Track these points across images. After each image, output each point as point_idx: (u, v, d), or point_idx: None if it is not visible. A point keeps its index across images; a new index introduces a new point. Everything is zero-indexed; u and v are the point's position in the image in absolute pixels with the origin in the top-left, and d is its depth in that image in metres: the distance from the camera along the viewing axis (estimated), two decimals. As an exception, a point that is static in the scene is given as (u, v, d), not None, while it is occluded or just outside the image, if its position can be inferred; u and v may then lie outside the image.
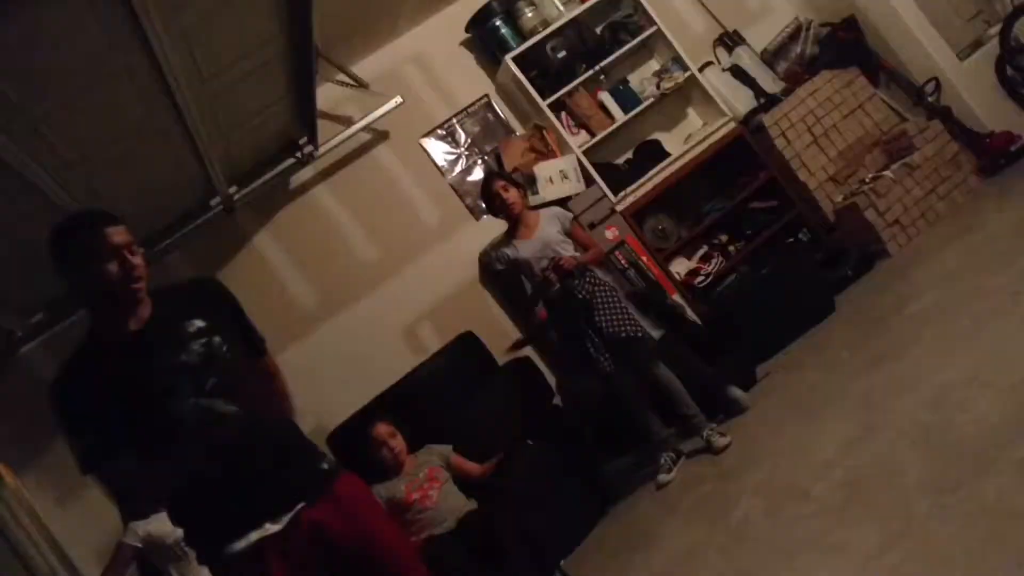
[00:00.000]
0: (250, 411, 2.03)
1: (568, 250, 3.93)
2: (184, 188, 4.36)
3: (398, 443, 3.91)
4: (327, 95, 5.05)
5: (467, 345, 4.79)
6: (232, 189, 4.67)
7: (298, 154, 4.93)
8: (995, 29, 5.02)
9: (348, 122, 5.15)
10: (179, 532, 3.31)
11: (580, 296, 3.85)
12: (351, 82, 5.10)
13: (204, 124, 3.51)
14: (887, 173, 4.88)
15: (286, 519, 2.03)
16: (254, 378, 2.17)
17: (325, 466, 2.18)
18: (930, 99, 5.08)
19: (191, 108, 3.28)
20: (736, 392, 4.04)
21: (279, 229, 5.17)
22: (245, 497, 2.02)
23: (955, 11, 5.22)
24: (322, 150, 5.01)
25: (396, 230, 5.23)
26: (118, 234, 1.99)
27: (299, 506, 2.04)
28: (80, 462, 2.01)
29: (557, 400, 4.92)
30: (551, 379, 5.03)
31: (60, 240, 2.00)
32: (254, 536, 2.00)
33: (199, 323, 2.07)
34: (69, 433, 2.03)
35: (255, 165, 4.81)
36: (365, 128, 5.14)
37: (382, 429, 3.91)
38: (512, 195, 3.96)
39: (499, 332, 5.18)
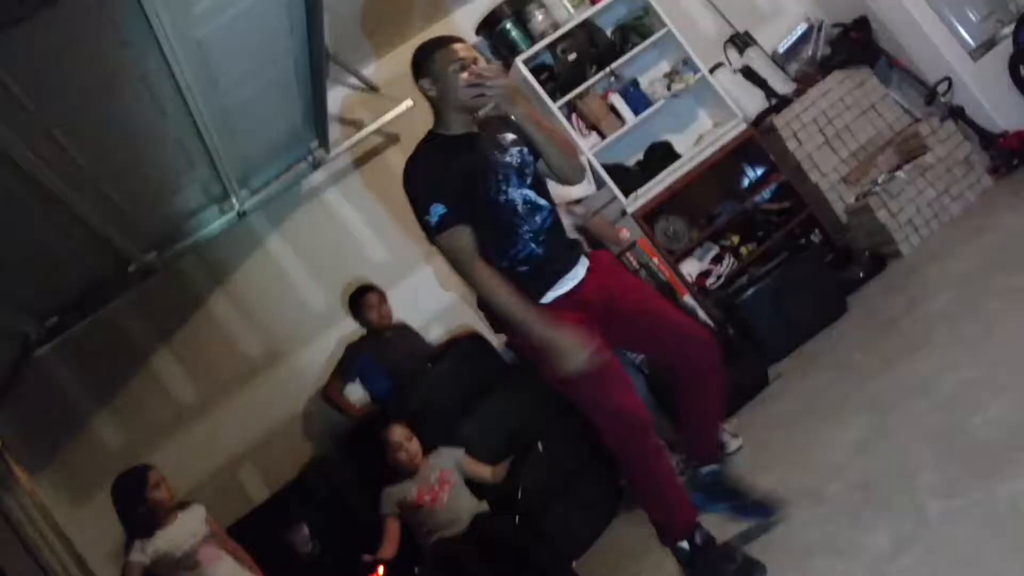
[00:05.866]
0: (551, 206, 2.63)
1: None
2: (197, 192, 4.39)
3: (414, 446, 3.92)
4: (338, 98, 5.07)
5: (476, 346, 4.80)
6: (244, 193, 4.69)
7: (309, 157, 4.96)
8: (1008, 29, 4.98)
9: (359, 125, 5.17)
10: (189, 543, 3.34)
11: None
12: (362, 86, 5.12)
13: (216, 129, 3.53)
14: (899, 174, 4.86)
15: (576, 280, 2.59)
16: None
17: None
18: (943, 99, 5.06)
19: (204, 114, 3.31)
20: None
21: (291, 232, 5.20)
22: (550, 265, 2.58)
23: (968, 11, 5.19)
24: (333, 153, 5.04)
25: (408, 232, 5.23)
26: (464, 49, 2.53)
27: (579, 277, 2.60)
28: (431, 229, 2.49)
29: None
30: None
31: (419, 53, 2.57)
32: (560, 290, 2.57)
33: (511, 135, 2.63)
34: (422, 202, 2.50)
35: (267, 169, 4.84)
36: (376, 131, 5.16)
37: (398, 432, 3.91)
38: None
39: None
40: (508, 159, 2.57)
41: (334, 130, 4.96)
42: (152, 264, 4.55)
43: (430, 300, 5.23)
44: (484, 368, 4.63)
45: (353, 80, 5.08)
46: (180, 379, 5.08)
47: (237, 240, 5.07)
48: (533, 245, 2.57)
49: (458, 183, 2.48)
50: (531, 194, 2.58)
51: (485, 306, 2.74)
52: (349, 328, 4.93)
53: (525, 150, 2.62)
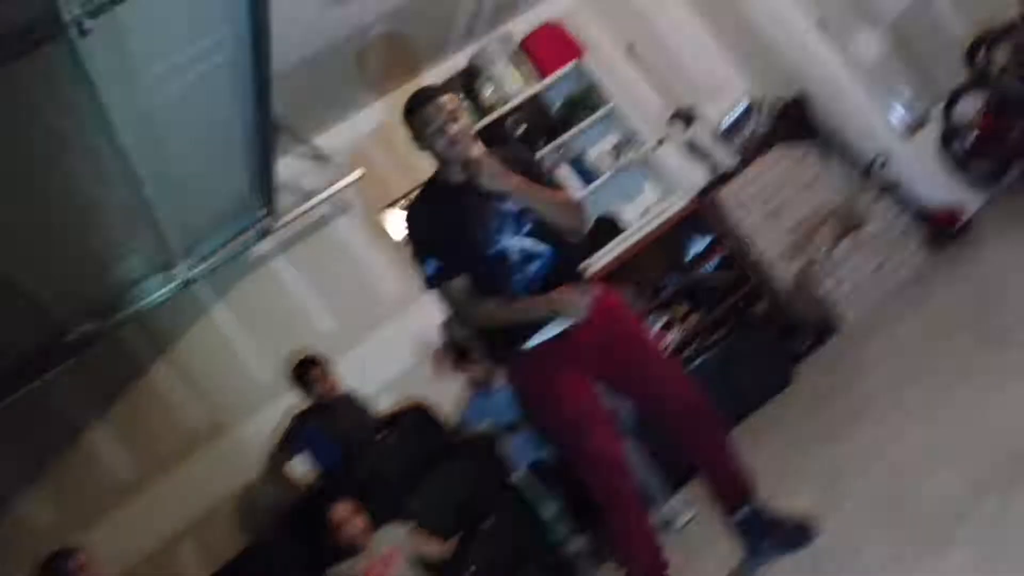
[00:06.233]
0: (554, 250, 2.61)
1: None
2: (140, 260, 4.30)
3: (360, 521, 3.83)
4: (288, 167, 5.05)
5: (422, 418, 4.73)
6: (189, 262, 4.61)
7: (257, 226, 4.90)
8: (939, 108, 5.20)
9: (309, 194, 5.15)
10: None
11: None
12: (312, 155, 5.12)
13: (161, 197, 3.47)
14: (840, 247, 4.99)
15: (567, 323, 2.58)
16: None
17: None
18: (879, 174, 5.22)
19: (148, 182, 3.25)
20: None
21: (237, 301, 5.12)
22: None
23: (899, 89, 5.41)
24: (281, 222, 4.99)
25: (356, 301, 5.20)
26: (443, 106, 2.58)
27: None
28: (426, 281, 2.62)
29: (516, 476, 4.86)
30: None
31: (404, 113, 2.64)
32: (547, 334, 2.58)
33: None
34: (417, 255, 2.62)
35: (213, 237, 4.77)
36: (326, 200, 5.14)
37: (342, 509, 3.82)
38: None
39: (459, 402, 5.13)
40: (509, 205, 2.59)
41: (283, 199, 4.93)
42: (91, 333, 4.42)
43: (378, 370, 5.16)
44: (431, 441, 4.56)
45: (303, 148, 5.07)
46: (117, 453, 4.91)
47: (181, 309, 4.96)
48: (525, 294, 2.61)
49: (450, 236, 2.58)
50: (527, 242, 2.60)
51: (484, 340, 2.81)
52: (295, 398, 4.82)
53: None
